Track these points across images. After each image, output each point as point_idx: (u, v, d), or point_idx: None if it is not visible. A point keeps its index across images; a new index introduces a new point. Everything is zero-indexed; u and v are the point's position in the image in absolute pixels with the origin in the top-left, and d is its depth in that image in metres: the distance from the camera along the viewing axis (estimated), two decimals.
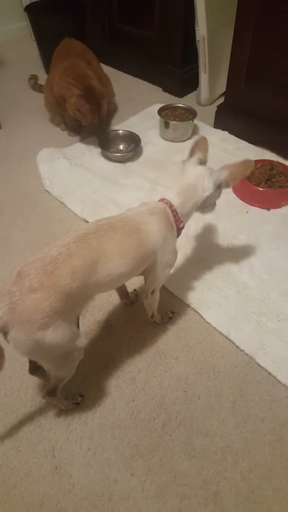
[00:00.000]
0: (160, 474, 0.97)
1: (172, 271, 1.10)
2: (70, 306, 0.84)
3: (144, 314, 1.20)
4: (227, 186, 1.05)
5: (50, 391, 0.98)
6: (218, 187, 1.04)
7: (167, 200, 1.01)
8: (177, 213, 1.00)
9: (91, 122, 1.81)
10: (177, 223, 1.01)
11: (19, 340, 0.79)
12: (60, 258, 0.82)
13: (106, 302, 1.30)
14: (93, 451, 1.00)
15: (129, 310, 1.28)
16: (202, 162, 1.08)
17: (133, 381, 1.13)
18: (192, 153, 1.09)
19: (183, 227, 1.04)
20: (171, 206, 1.00)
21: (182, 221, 1.02)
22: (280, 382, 1.10)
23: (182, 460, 0.99)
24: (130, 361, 1.17)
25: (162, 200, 1.02)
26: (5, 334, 0.80)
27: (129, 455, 1.00)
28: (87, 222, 1.54)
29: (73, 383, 1.10)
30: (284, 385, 1.09)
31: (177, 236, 1.04)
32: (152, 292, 1.08)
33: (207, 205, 1.06)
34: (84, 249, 0.85)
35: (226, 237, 1.48)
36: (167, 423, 1.05)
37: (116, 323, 1.25)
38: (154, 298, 1.11)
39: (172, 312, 1.20)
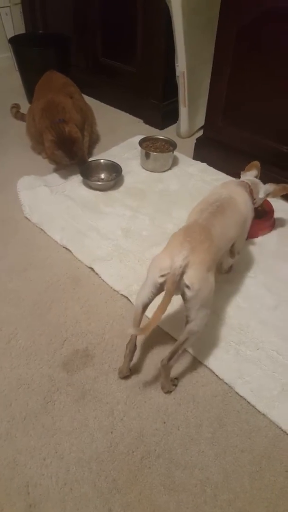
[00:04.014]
0: (138, 510, 0.95)
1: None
2: (215, 261, 1.08)
3: (122, 346, 1.20)
4: (271, 197, 1.45)
5: (171, 356, 1.08)
6: (267, 196, 1.41)
7: (245, 181, 1.35)
8: (252, 191, 1.33)
9: (69, 163, 1.90)
10: (251, 196, 1.32)
11: (197, 276, 0.98)
12: (208, 225, 1.09)
13: (84, 330, 1.31)
14: (69, 487, 0.98)
15: (108, 340, 1.29)
16: (256, 177, 1.44)
17: (111, 413, 1.12)
18: (249, 168, 1.45)
19: (254, 204, 1.35)
20: (249, 185, 1.33)
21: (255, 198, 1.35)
22: (259, 411, 1.11)
23: (161, 494, 0.98)
24: (109, 392, 1.16)
25: (241, 181, 1.36)
26: (183, 274, 0.98)
27: (106, 490, 0.98)
28: (68, 249, 1.56)
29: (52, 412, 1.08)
30: (263, 414, 1.11)
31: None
32: (238, 252, 1.39)
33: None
34: (217, 220, 1.12)
35: None
36: (146, 456, 1.04)
37: (94, 352, 1.25)
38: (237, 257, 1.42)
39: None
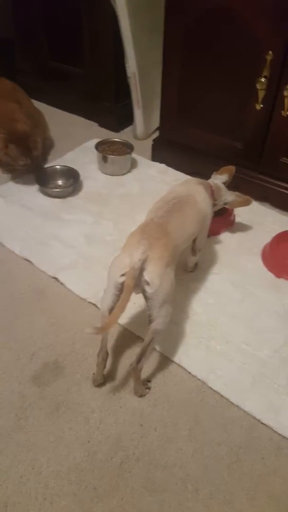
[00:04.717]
0: None
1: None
2: (174, 257, 1.11)
3: (94, 355, 1.22)
4: (230, 207, 1.54)
5: (138, 359, 1.11)
6: (224, 204, 1.48)
7: (209, 182, 1.42)
8: (214, 192, 1.39)
9: (25, 164, 1.88)
10: (212, 198, 1.38)
11: (156, 271, 1.01)
12: (165, 222, 1.12)
13: (53, 342, 1.32)
14: (49, 501, 1.00)
15: (78, 350, 1.31)
16: (226, 183, 1.50)
17: (87, 422, 1.14)
18: (221, 172, 1.52)
19: (214, 206, 1.41)
20: (211, 186, 1.40)
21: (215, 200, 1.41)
22: (233, 403, 1.17)
23: (143, 496, 1.01)
24: (83, 401, 1.18)
25: (204, 181, 1.41)
26: (142, 271, 1.01)
27: (88, 499, 1.00)
28: (29, 261, 1.57)
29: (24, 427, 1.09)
30: (237, 406, 1.16)
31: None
32: (199, 250, 1.44)
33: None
34: (173, 217, 1.16)
35: None
36: (125, 460, 1.07)
37: (65, 364, 1.27)
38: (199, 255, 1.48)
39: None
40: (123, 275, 1.02)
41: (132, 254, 1.02)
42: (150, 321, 1.07)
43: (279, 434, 1.11)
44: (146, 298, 1.05)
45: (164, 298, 1.05)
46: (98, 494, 1.01)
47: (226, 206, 1.51)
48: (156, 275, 1.02)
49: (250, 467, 1.06)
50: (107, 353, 1.17)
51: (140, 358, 1.11)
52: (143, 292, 1.04)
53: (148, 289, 1.02)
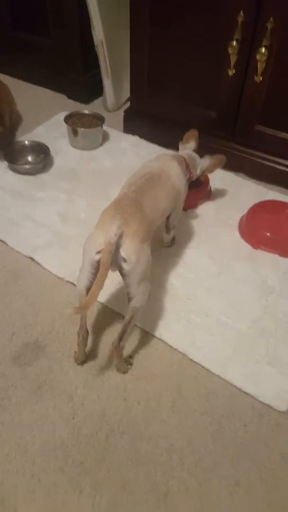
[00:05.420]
0: (109, 487, 1.02)
1: None
2: (150, 232, 1.12)
3: (74, 333, 1.24)
4: (208, 172, 1.54)
5: (120, 337, 1.12)
6: (202, 172, 1.49)
7: (182, 155, 1.41)
8: (188, 165, 1.39)
9: None
10: (187, 171, 1.39)
11: (133, 247, 1.02)
12: (138, 197, 1.12)
13: (32, 322, 1.33)
14: (37, 477, 1.02)
15: (58, 328, 1.32)
16: (195, 150, 1.49)
17: (70, 399, 1.16)
18: (187, 139, 1.51)
19: (189, 179, 1.42)
20: (185, 159, 1.40)
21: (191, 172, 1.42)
22: (214, 374, 1.21)
23: (129, 468, 1.05)
24: (65, 379, 1.20)
25: (177, 154, 1.42)
26: (118, 247, 1.01)
27: (75, 474, 1.03)
28: (3, 241, 1.55)
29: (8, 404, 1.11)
30: (218, 376, 1.21)
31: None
32: (173, 227, 1.46)
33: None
34: (147, 193, 1.16)
35: None
36: (110, 434, 1.10)
37: (45, 343, 1.28)
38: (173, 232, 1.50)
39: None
40: (98, 252, 1.01)
41: (106, 230, 1.01)
42: (129, 299, 1.09)
43: (260, 402, 1.17)
44: (123, 275, 1.06)
45: (142, 274, 1.06)
46: (85, 469, 1.04)
47: (204, 173, 1.52)
48: (132, 251, 1.02)
49: (233, 435, 1.11)
50: (87, 332, 1.19)
51: (121, 337, 1.13)
52: (120, 269, 1.05)
53: (125, 266, 1.03)
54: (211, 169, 1.52)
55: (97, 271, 1.03)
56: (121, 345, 1.15)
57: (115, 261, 1.03)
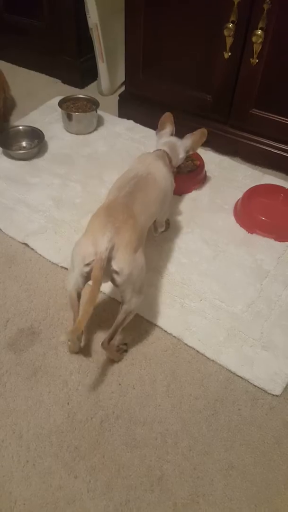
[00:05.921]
0: (104, 471, 1.01)
1: None
2: (142, 238, 1.07)
3: (69, 318, 1.22)
4: (192, 151, 1.45)
5: (110, 337, 1.09)
6: (187, 152, 1.41)
7: (163, 150, 1.34)
8: (171, 160, 1.34)
9: None
10: (171, 166, 1.33)
11: (125, 259, 0.97)
12: (129, 202, 1.07)
13: (27, 308, 1.31)
14: (32, 463, 1.02)
15: (53, 314, 1.30)
16: (172, 134, 1.43)
17: (65, 384, 1.15)
18: (162, 126, 1.44)
19: (174, 172, 1.36)
20: (167, 154, 1.33)
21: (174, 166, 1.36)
22: (208, 358, 1.20)
23: (124, 452, 1.04)
24: (60, 365, 1.19)
25: (158, 150, 1.34)
26: (110, 260, 0.96)
27: (70, 459, 1.02)
28: None
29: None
30: (213, 360, 1.19)
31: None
32: (162, 226, 1.43)
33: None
34: (136, 198, 1.10)
35: None
36: (105, 419, 1.09)
37: (40, 329, 1.26)
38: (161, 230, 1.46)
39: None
40: (87, 264, 0.97)
41: (97, 241, 0.96)
42: (123, 303, 1.05)
43: (254, 386, 1.16)
44: (115, 285, 1.01)
45: (136, 284, 1.01)
46: (79, 453, 1.03)
47: (189, 153, 1.44)
48: (125, 264, 0.97)
49: (227, 418, 1.10)
50: (82, 332, 1.16)
51: (111, 337, 1.09)
52: (112, 281, 1.00)
53: (118, 278, 0.98)
54: (194, 146, 1.43)
55: (86, 280, 1.00)
56: (110, 344, 1.12)
57: (107, 273, 0.98)
